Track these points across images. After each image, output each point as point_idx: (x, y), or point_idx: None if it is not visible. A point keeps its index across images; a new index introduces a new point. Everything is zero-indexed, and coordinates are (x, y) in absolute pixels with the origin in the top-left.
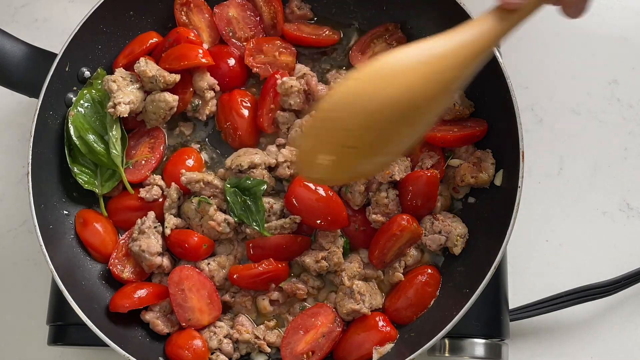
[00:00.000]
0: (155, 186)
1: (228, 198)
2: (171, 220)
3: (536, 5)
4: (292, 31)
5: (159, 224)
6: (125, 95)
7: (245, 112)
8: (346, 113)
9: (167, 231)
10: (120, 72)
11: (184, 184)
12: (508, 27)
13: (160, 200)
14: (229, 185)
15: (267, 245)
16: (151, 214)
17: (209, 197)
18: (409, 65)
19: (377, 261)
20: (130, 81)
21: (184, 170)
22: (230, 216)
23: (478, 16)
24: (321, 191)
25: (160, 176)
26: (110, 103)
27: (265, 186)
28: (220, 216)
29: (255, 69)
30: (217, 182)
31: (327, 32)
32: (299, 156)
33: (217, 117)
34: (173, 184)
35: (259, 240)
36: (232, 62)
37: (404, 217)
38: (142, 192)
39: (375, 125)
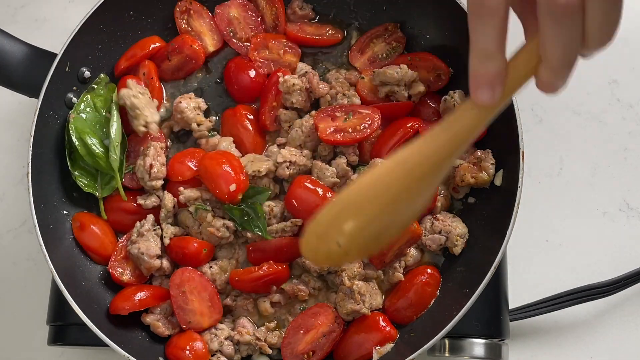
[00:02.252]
0: (154, 194)
1: (226, 208)
2: (169, 230)
3: (511, 94)
4: (295, 32)
5: (158, 226)
6: (152, 115)
7: (250, 126)
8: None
9: (166, 241)
10: (134, 85)
11: (183, 202)
12: (490, 115)
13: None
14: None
15: (267, 248)
16: (150, 217)
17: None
18: (399, 177)
19: (377, 261)
20: (145, 94)
21: (181, 188)
22: (233, 224)
23: (461, 105)
24: (321, 192)
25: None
26: (142, 122)
27: (269, 193)
28: (219, 221)
29: (257, 64)
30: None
31: (329, 32)
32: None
33: (222, 132)
34: (167, 193)
35: (260, 243)
36: (252, 74)
37: None
38: (140, 200)
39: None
